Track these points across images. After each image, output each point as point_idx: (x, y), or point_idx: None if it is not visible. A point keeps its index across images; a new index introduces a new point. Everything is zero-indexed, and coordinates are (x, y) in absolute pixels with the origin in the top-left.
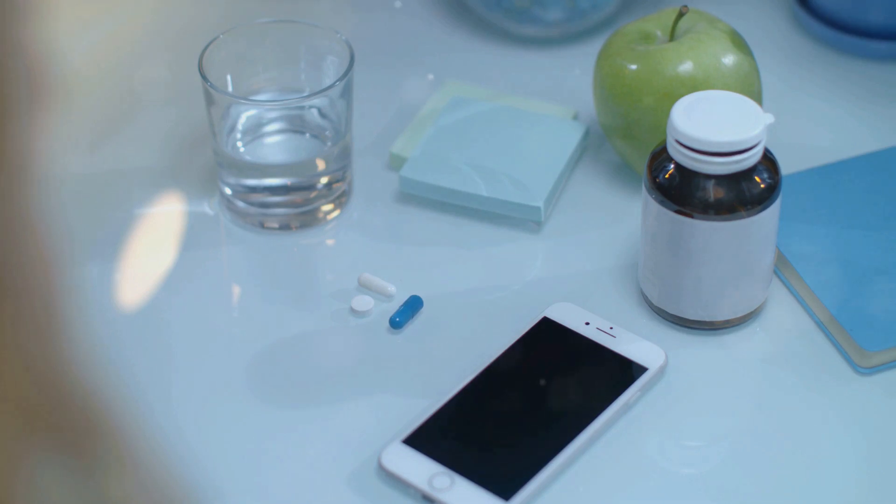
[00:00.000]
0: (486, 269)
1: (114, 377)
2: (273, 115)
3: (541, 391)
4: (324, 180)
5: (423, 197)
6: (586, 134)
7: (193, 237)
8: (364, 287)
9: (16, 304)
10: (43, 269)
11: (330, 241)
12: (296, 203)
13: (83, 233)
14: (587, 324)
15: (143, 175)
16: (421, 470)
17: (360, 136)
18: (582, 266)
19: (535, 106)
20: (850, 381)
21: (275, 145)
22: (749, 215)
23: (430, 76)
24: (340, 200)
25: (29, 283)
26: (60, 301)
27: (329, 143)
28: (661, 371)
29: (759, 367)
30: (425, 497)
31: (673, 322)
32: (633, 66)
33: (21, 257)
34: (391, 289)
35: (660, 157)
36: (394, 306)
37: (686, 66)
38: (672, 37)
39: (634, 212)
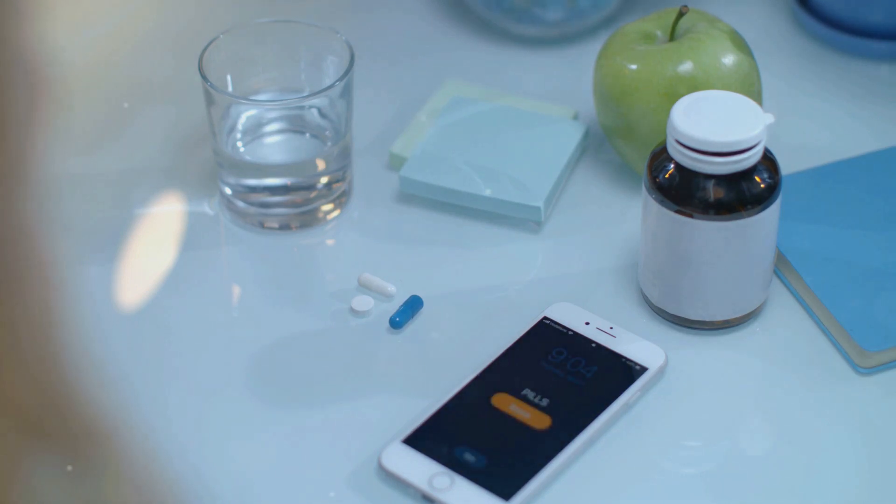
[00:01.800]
0: (486, 269)
1: (113, 378)
2: (273, 115)
3: (541, 391)
4: (324, 180)
5: (423, 197)
6: (586, 134)
7: (193, 237)
8: (364, 287)
9: (14, 309)
10: (41, 273)
11: (330, 241)
12: (296, 203)
13: (83, 233)
14: (587, 324)
15: (143, 175)
16: (421, 470)
17: (360, 136)
18: (582, 266)
19: (535, 106)
20: (850, 381)
21: (275, 145)
22: (749, 215)
23: (428, 77)
24: (340, 200)
25: (27, 288)
26: (58, 305)
27: (329, 143)
28: (661, 371)
29: (759, 367)
30: (425, 497)
31: (673, 322)
32: (633, 66)
33: (19, 261)
34: (391, 289)
35: (660, 157)
36: (394, 306)
37: (686, 66)
38: (672, 37)
39: (634, 212)
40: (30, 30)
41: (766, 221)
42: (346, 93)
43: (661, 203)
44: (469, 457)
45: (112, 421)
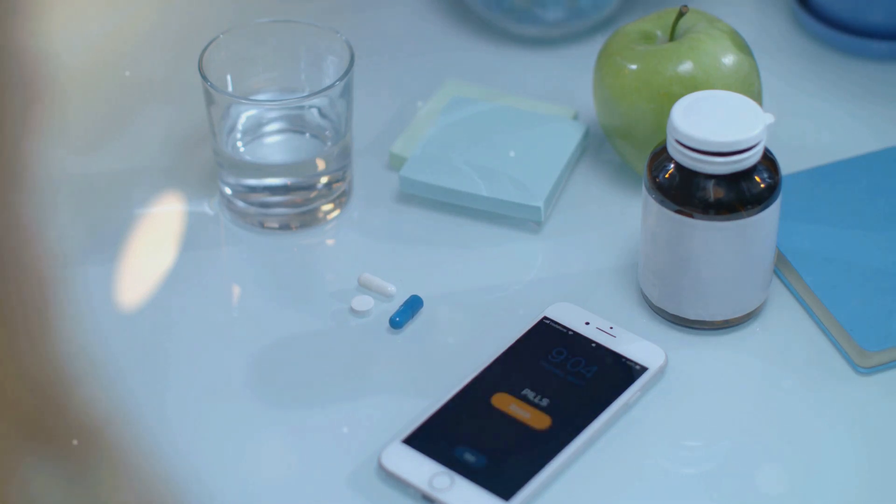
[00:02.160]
0: (486, 269)
1: (112, 378)
2: (273, 115)
3: (541, 391)
4: (324, 180)
5: (423, 197)
6: (586, 134)
7: (193, 237)
8: (364, 287)
9: (11, 312)
10: (38, 275)
11: (330, 241)
12: (296, 203)
13: (83, 233)
14: (587, 324)
15: (143, 175)
16: (421, 470)
17: (360, 136)
18: (582, 266)
19: (535, 106)
20: (850, 381)
21: (275, 145)
22: (749, 215)
23: (428, 77)
24: (340, 200)
25: (25, 290)
26: (56, 306)
27: (329, 143)
28: (661, 371)
29: (759, 367)
30: (425, 497)
31: (673, 322)
32: (633, 66)
33: (16, 264)
34: (391, 289)
35: (660, 157)
36: (394, 306)
37: (686, 66)
38: (672, 37)
39: (634, 212)
40: (27, 30)
41: (766, 221)
42: (346, 93)
43: (661, 203)
44: (469, 457)
45: (111, 421)
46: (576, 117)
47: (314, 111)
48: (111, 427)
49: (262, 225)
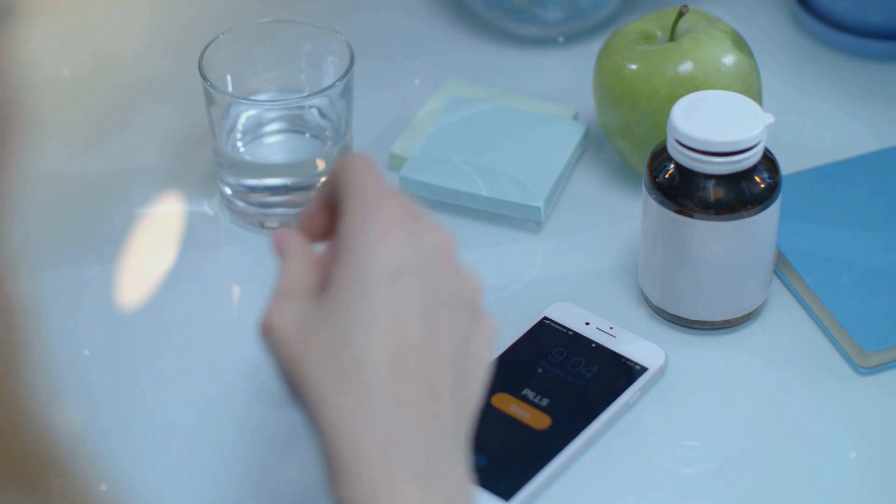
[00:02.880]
0: (486, 269)
1: (111, 379)
2: (273, 115)
3: (540, 391)
4: (324, 180)
5: (423, 197)
6: (586, 134)
7: (193, 237)
8: None
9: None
10: (3, 301)
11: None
12: (296, 203)
13: (83, 233)
14: (587, 324)
15: (143, 175)
16: None
17: (360, 136)
18: (582, 266)
19: (535, 106)
20: (850, 381)
21: (275, 145)
22: (749, 215)
23: (428, 77)
24: None
25: (13, 296)
26: (22, 337)
27: (329, 143)
28: (661, 371)
29: (759, 367)
30: None
31: (673, 322)
32: (633, 66)
33: (11, 266)
34: None
35: (660, 157)
36: None
37: (686, 66)
38: (672, 37)
39: (634, 212)
40: (26, 31)
41: (766, 221)
42: (346, 93)
43: (661, 203)
44: (469, 457)
45: (71, 456)
46: (576, 117)
47: (314, 111)
48: (70, 463)
49: (262, 225)
